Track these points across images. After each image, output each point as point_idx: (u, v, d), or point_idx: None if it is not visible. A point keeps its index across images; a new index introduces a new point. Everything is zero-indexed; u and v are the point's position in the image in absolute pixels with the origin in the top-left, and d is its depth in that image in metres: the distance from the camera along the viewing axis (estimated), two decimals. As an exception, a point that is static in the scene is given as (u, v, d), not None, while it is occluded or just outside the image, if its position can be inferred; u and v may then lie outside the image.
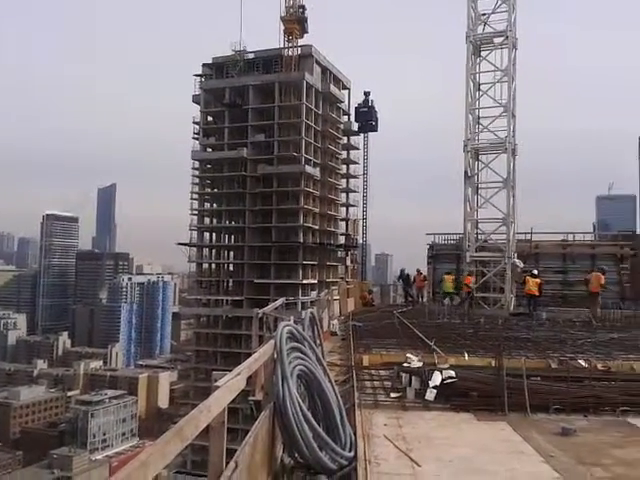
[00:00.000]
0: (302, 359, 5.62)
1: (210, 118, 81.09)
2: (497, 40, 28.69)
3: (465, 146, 28.53)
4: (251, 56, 78.25)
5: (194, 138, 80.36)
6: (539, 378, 8.93)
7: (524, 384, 7.92)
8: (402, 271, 30.58)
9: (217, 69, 79.68)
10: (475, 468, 5.75)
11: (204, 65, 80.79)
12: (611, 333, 16.61)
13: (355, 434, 6.24)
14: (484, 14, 28.79)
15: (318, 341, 8.06)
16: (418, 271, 30.20)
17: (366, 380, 9.99)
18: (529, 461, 6.00)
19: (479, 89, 29.17)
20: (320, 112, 79.50)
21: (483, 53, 29.31)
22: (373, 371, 10.70)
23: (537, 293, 23.24)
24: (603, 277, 23.22)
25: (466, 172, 28.56)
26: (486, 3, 28.81)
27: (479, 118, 29.08)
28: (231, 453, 4.10)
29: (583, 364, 10.47)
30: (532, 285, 23.19)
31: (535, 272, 24.62)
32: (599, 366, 10.40)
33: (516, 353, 11.99)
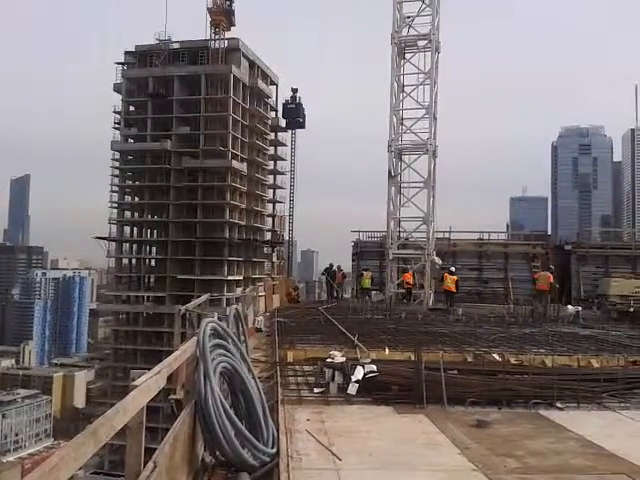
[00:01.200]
0: (225, 356, 5.56)
1: (132, 108, 78.54)
2: (421, 43, 29.47)
3: (389, 146, 29.15)
4: (176, 46, 76.33)
5: (115, 128, 77.59)
6: (456, 371, 9.27)
7: (441, 377, 8.19)
8: (331, 265, 30.92)
9: (141, 58, 77.17)
10: (394, 460, 5.90)
11: (127, 53, 78.08)
12: (523, 328, 17.50)
13: (278, 430, 6.26)
14: (409, 17, 29.47)
15: (243, 338, 8.01)
16: (338, 268, 30.70)
17: (290, 376, 10.03)
18: (446, 453, 6.21)
19: (403, 91, 29.87)
20: (247, 107, 78.77)
21: (407, 55, 30.05)
22: (297, 367, 10.76)
23: (454, 289, 24.17)
24: (552, 276, 24.54)
25: (390, 172, 29.19)
26: (412, 6, 29.54)
27: (402, 119, 29.80)
28: (151, 453, 4.00)
29: (497, 358, 10.96)
30: (450, 282, 24.08)
31: (453, 269, 25.58)
32: (512, 360, 10.93)
33: (434, 347, 12.40)
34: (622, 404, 8.60)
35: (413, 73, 29.71)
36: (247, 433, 5.16)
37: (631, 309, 22.41)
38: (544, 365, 10.58)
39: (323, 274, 30.63)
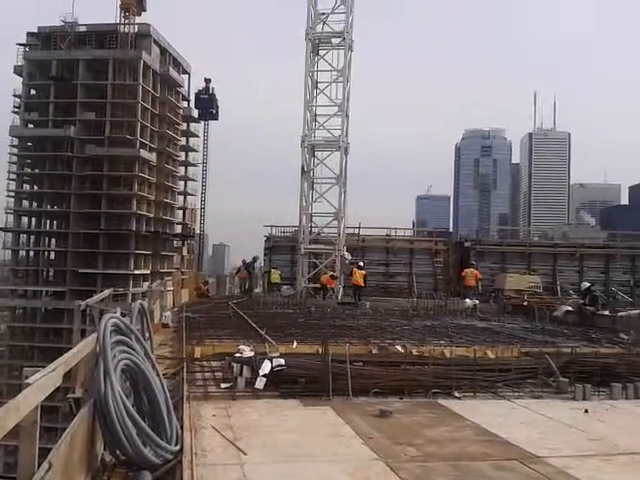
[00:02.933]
0: (128, 353, 5.41)
1: (34, 92, 73.98)
2: (335, 41, 29.80)
3: (302, 142, 29.32)
4: (83, 29, 72.71)
5: (14, 112, 72.79)
6: (361, 363, 9.51)
7: (347, 369, 8.38)
8: (254, 259, 30.80)
9: (44, 40, 72.83)
10: (299, 452, 5.98)
11: (29, 34, 73.54)
12: (425, 321, 18.24)
13: (182, 427, 6.17)
14: (323, 13, 29.71)
15: (147, 334, 7.82)
16: (247, 264, 30.67)
17: (197, 372, 9.90)
18: (349, 443, 6.37)
19: (317, 87, 30.11)
20: (158, 95, 76.38)
21: (321, 52, 30.30)
22: (205, 363, 10.63)
23: (362, 284, 24.79)
24: (478, 272, 26.31)
25: (303, 167, 29.38)
26: (327, 2, 29.81)
27: (316, 116, 30.06)
28: (48, 453, 3.84)
29: (400, 349, 11.36)
30: (358, 276, 24.67)
31: (361, 264, 26.21)
32: (414, 351, 11.36)
33: (342, 340, 12.65)
34: (515, 393, 9.15)
35: (327, 70, 30.02)
36: (149, 431, 5.06)
37: (525, 303, 23.91)
38: (443, 356, 11.07)
39: (246, 268, 30.48)
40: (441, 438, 6.62)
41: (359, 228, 33.11)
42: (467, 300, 24.33)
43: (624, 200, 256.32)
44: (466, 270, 27.20)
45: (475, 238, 35.98)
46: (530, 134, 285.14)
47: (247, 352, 10.02)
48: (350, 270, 26.19)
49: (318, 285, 28.11)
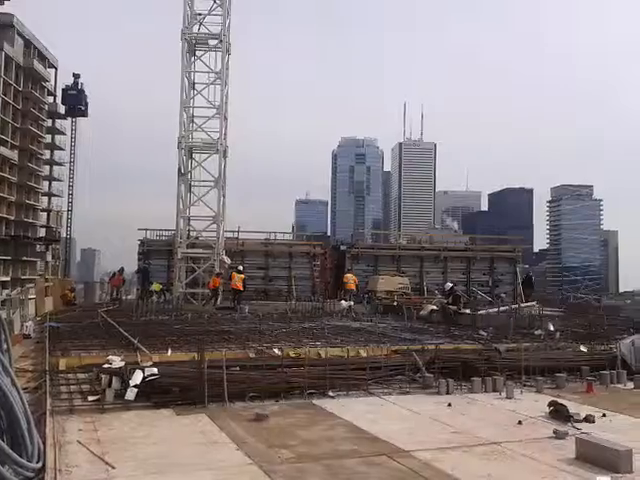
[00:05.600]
0: (-19, 367, 5.00)
1: None
2: (212, 42, 29.46)
3: (179, 143, 28.63)
4: None
5: None
6: (238, 368, 9.48)
7: (223, 375, 8.31)
8: (146, 266, 29.44)
9: None
10: (171, 463, 5.84)
11: None
12: (303, 323, 18.54)
13: (45, 443, 5.81)
14: (200, 14, 29.26)
15: (5, 346, 7.24)
16: (121, 270, 29.52)
17: (62, 385, 9.35)
18: (224, 450, 6.32)
19: (194, 88, 29.56)
20: (20, 89, 70.82)
21: (198, 53, 29.81)
22: (71, 375, 10.04)
23: (241, 288, 24.67)
24: (353, 276, 28.15)
25: (180, 169, 28.69)
26: (204, 3, 29.35)
27: (193, 117, 29.49)
28: None
29: (277, 352, 11.45)
30: (237, 280, 24.54)
31: (240, 268, 26.09)
32: (291, 353, 11.50)
33: (219, 346, 12.52)
34: (385, 390, 9.60)
35: (204, 71, 29.56)
36: (7, 449, 4.78)
37: (395, 303, 25.10)
38: (319, 357, 11.33)
39: (137, 272, 29.08)
40: (315, 438, 6.78)
41: (238, 232, 32.94)
42: (343, 302, 25.08)
43: (484, 206, 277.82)
44: (347, 275, 28.16)
45: (350, 242, 37.13)
46: (400, 144, 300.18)
47: (117, 362, 9.57)
48: (229, 274, 25.94)
49: (207, 290, 27.51)
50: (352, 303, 24.67)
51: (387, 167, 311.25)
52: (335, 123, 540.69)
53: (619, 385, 10.43)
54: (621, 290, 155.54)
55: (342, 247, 34.98)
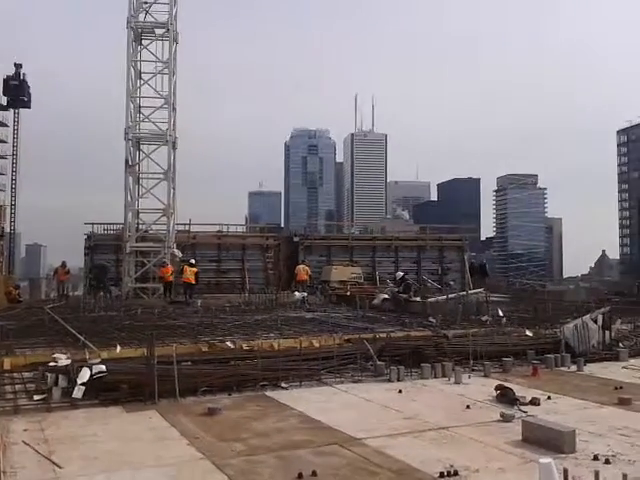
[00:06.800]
0: None
1: None
2: (159, 31, 28.82)
3: (126, 134, 27.97)
4: None
5: None
6: (190, 363, 9.38)
7: (174, 370, 8.21)
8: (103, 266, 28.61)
9: None
10: (121, 461, 5.74)
11: None
12: (256, 315, 18.48)
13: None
14: (146, 2, 28.56)
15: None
16: (63, 264, 28.69)
17: (6, 385, 9.06)
18: (175, 446, 6.26)
19: (140, 78, 28.87)
20: (-46, 77, 67.48)
21: (145, 42, 29.12)
22: (16, 374, 9.72)
23: (194, 281, 24.37)
24: (308, 268, 27.86)
25: (127, 161, 28.05)
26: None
27: (140, 107, 28.83)
28: None
29: (230, 345, 11.40)
30: (189, 274, 24.23)
31: (192, 261, 25.76)
32: (244, 346, 11.46)
33: (170, 340, 12.33)
34: (337, 379, 9.69)
35: (151, 61, 28.92)
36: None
37: (348, 293, 25.29)
38: (272, 348, 11.34)
39: (93, 269, 28.22)
40: (267, 430, 6.79)
41: (189, 224, 32.44)
42: (296, 293, 25.12)
43: (433, 196, 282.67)
44: (299, 267, 28.15)
45: (303, 233, 37.14)
46: (352, 135, 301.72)
47: (63, 360, 9.33)
48: (181, 267, 25.57)
49: (157, 285, 26.99)
50: (306, 294, 24.73)
51: (340, 158, 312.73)
52: (287, 114, 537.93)
53: (563, 368, 10.84)
54: (565, 276, 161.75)
55: (295, 238, 34.94)
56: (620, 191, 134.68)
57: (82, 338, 12.15)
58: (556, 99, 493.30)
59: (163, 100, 28.33)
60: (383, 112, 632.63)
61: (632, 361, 11.35)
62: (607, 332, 12.51)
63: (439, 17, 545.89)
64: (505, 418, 7.19)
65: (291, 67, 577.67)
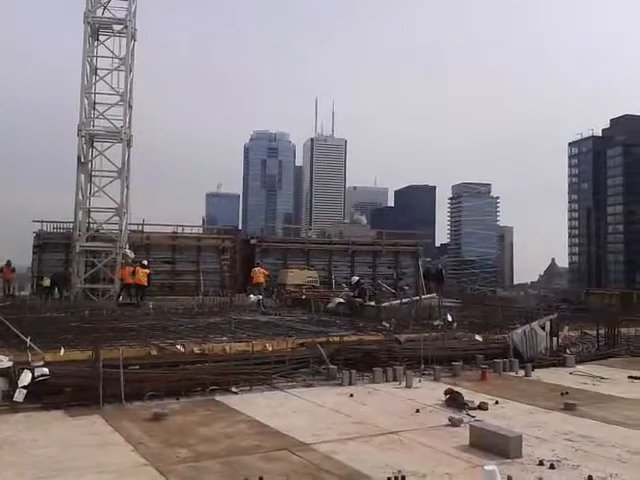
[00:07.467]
0: None
1: None
2: (116, 27, 28.26)
3: (79, 131, 27.29)
4: None
5: None
6: (137, 366, 9.14)
7: (120, 374, 7.98)
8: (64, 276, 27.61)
9: None
10: (61, 468, 5.52)
11: None
12: (210, 318, 18.21)
13: None
14: (104, -3, 27.95)
15: None
16: (8, 263, 27.76)
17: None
18: (118, 451, 6.06)
19: (96, 74, 28.23)
20: None
21: (102, 37, 28.52)
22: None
23: (146, 283, 23.87)
24: (265, 271, 27.55)
25: (79, 158, 27.36)
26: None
27: (95, 104, 28.15)
28: None
29: (180, 349, 11.18)
30: (141, 275, 23.73)
31: (145, 262, 25.25)
32: (195, 350, 11.27)
33: (118, 343, 11.99)
34: (289, 383, 9.61)
35: (108, 57, 28.29)
36: None
37: (303, 296, 25.25)
38: (224, 352, 11.18)
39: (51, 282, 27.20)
40: (215, 435, 6.65)
41: (143, 225, 31.83)
42: (252, 296, 24.91)
43: (391, 202, 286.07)
44: (254, 269, 27.91)
45: (260, 236, 36.94)
46: (312, 139, 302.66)
47: (5, 362, 8.94)
48: (133, 269, 24.99)
49: (108, 286, 26.27)
50: (261, 297, 24.55)
51: (299, 162, 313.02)
52: (247, 116, 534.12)
53: (511, 373, 11.04)
54: (515, 282, 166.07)
55: (252, 241, 34.71)
56: (570, 201, 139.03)
57: (27, 340, 11.70)
58: (514, 112, 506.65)
59: (119, 97, 27.75)
60: (343, 117, 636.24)
61: (579, 367, 11.63)
62: (555, 338, 12.83)
63: (403, 24, 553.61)
64: (453, 422, 7.25)
65: (252, 69, 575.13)
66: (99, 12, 28.05)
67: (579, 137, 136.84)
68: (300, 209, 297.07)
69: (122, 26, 27.98)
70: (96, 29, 28.15)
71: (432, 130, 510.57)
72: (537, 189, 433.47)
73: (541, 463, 5.81)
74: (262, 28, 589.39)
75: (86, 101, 27.68)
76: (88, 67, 27.89)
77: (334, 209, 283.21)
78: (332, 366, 10.06)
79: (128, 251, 27.61)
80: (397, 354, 10.96)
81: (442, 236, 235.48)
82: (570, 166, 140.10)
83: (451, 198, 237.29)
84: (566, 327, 14.68)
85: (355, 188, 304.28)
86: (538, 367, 11.35)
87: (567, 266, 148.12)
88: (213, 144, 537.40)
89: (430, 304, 21.04)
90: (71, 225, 28.92)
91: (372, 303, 21.77)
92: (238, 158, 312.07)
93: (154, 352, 11.24)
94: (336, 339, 12.24)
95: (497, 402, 8.51)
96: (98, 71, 28.28)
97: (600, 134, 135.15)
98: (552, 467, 5.74)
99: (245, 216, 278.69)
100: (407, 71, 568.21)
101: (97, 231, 28.33)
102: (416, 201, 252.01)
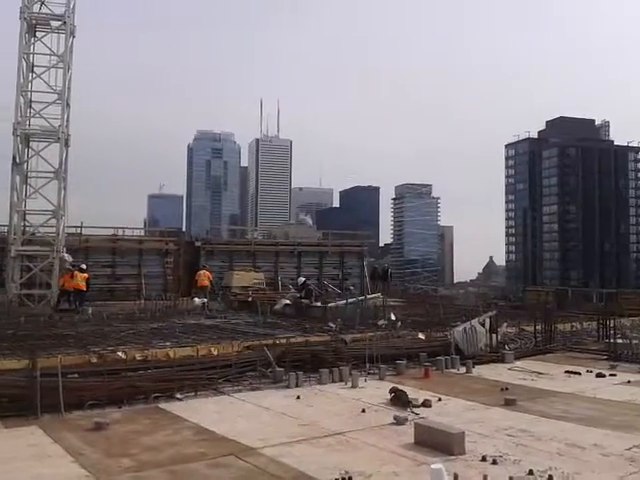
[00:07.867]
0: None
1: None
2: (54, 24, 27.29)
3: (15, 130, 26.20)
4: None
5: None
6: (77, 375, 8.85)
7: (59, 383, 7.70)
8: None
9: None
10: (-5, 483, 5.30)
11: None
12: (152, 323, 17.81)
13: None
14: (40, -8, 26.94)
15: None
16: None
17: None
18: (57, 463, 5.86)
19: (33, 71, 27.17)
20: None
21: (39, 34, 27.47)
22: None
23: (84, 288, 23.10)
24: (210, 273, 27.10)
25: (14, 158, 26.27)
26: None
27: (31, 102, 27.09)
28: None
29: (122, 355, 10.88)
30: (80, 280, 22.94)
31: (84, 267, 24.43)
32: (137, 356, 10.99)
33: (56, 351, 11.56)
34: (235, 387, 9.52)
35: (45, 54, 27.23)
36: None
37: (250, 298, 25.05)
38: (168, 358, 10.95)
39: None
40: (158, 444, 6.52)
41: (81, 227, 30.78)
42: (196, 299, 24.52)
43: (336, 203, 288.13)
44: (199, 272, 27.50)
45: (205, 238, 36.41)
46: (257, 140, 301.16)
47: None
48: (71, 273, 24.14)
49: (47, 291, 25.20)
50: (206, 300, 24.21)
51: (244, 162, 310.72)
52: (191, 116, 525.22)
53: (453, 370, 11.31)
54: (455, 281, 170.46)
55: (197, 243, 34.14)
56: (507, 202, 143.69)
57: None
58: (456, 115, 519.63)
59: (56, 95, 26.79)
60: (288, 118, 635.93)
61: (517, 363, 12.04)
62: (494, 335, 13.23)
63: (348, 25, 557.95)
64: (398, 421, 7.36)
65: (196, 68, 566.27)
66: (36, 7, 27.04)
67: (516, 139, 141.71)
68: (246, 210, 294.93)
69: (60, 22, 27.04)
70: (33, 25, 27.10)
71: (376, 131, 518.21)
72: (476, 190, 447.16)
73: (484, 459, 5.97)
74: (205, 27, 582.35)
75: (22, 99, 26.59)
76: (24, 64, 26.80)
77: (280, 210, 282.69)
78: (279, 369, 10.03)
79: (66, 255, 26.65)
80: (343, 354, 11.04)
81: (386, 236, 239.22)
82: (507, 167, 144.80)
83: (394, 199, 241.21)
84: (505, 324, 15.13)
85: (301, 189, 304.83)
86: (479, 363, 11.68)
87: (504, 264, 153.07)
88: (155, 144, 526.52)
89: (375, 304, 21.27)
90: (5, 228, 27.71)
91: (318, 304, 21.84)
92: (181, 158, 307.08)
93: (94, 359, 10.89)
94: (283, 341, 12.21)
95: (440, 399, 8.69)
96: (35, 68, 27.23)
97: (536, 136, 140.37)
98: (495, 463, 5.90)
99: (189, 218, 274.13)
100: (347, 73, 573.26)
101: (33, 234, 27.25)
102: (361, 202, 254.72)
